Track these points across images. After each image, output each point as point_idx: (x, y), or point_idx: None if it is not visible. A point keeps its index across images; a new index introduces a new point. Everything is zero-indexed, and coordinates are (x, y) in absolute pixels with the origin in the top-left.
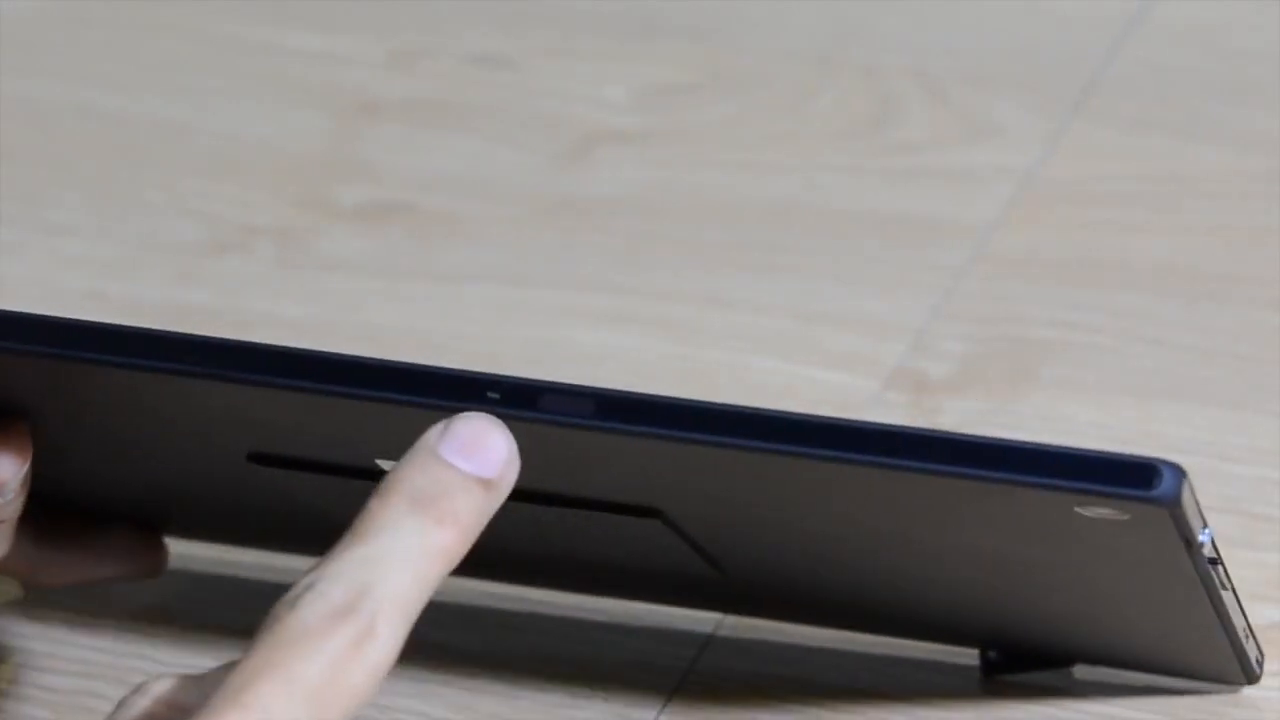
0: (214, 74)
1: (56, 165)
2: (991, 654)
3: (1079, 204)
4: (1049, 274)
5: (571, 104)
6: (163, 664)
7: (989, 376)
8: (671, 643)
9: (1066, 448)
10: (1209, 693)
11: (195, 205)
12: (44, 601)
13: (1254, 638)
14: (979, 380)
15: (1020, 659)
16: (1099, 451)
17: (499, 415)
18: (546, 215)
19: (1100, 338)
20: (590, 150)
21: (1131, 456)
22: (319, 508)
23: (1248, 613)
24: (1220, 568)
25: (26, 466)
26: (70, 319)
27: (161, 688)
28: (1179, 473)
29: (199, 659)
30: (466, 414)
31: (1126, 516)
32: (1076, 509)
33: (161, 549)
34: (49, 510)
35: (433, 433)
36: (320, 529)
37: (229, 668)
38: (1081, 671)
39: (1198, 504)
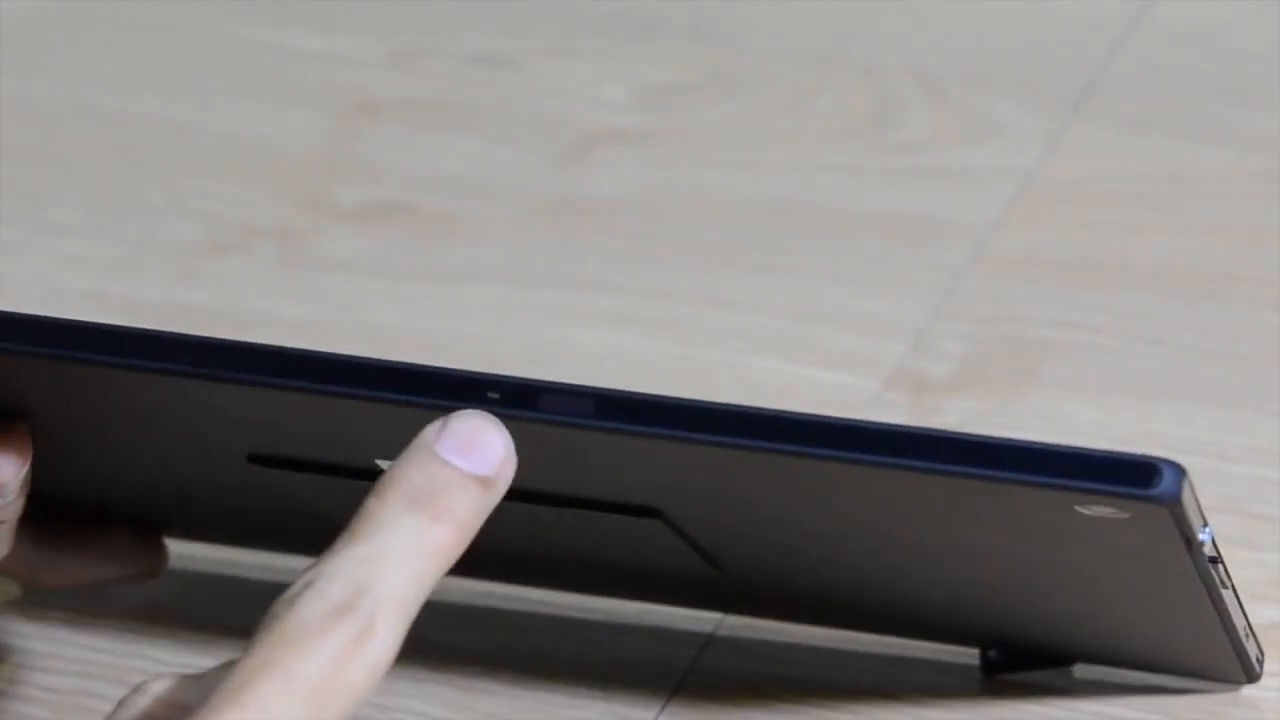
0: (214, 74)
1: (56, 165)
2: (992, 653)
3: (1079, 204)
4: (1049, 274)
5: (571, 104)
6: (163, 664)
7: (989, 376)
8: (671, 643)
9: (1067, 447)
10: (1209, 692)
11: (195, 205)
12: (44, 601)
13: (1254, 637)
14: (979, 380)
15: (1021, 658)
16: (1099, 450)
17: (499, 415)
18: (546, 215)
19: (1100, 338)
20: (590, 150)
21: (1132, 455)
22: (319, 508)
23: (1248, 612)
24: (1221, 566)
25: (26, 467)
26: (70, 319)
27: (161, 687)
28: (1179, 471)
29: (199, 659)
30: (463, 412)
31: (1127, 515)
32: (1077, 508)
33: (161, 550)
34: (49, 511)
35: (430, 431)
36: (320, 529)
37: (228, 667)
38: (1081, 671)
39: (1198, 503)
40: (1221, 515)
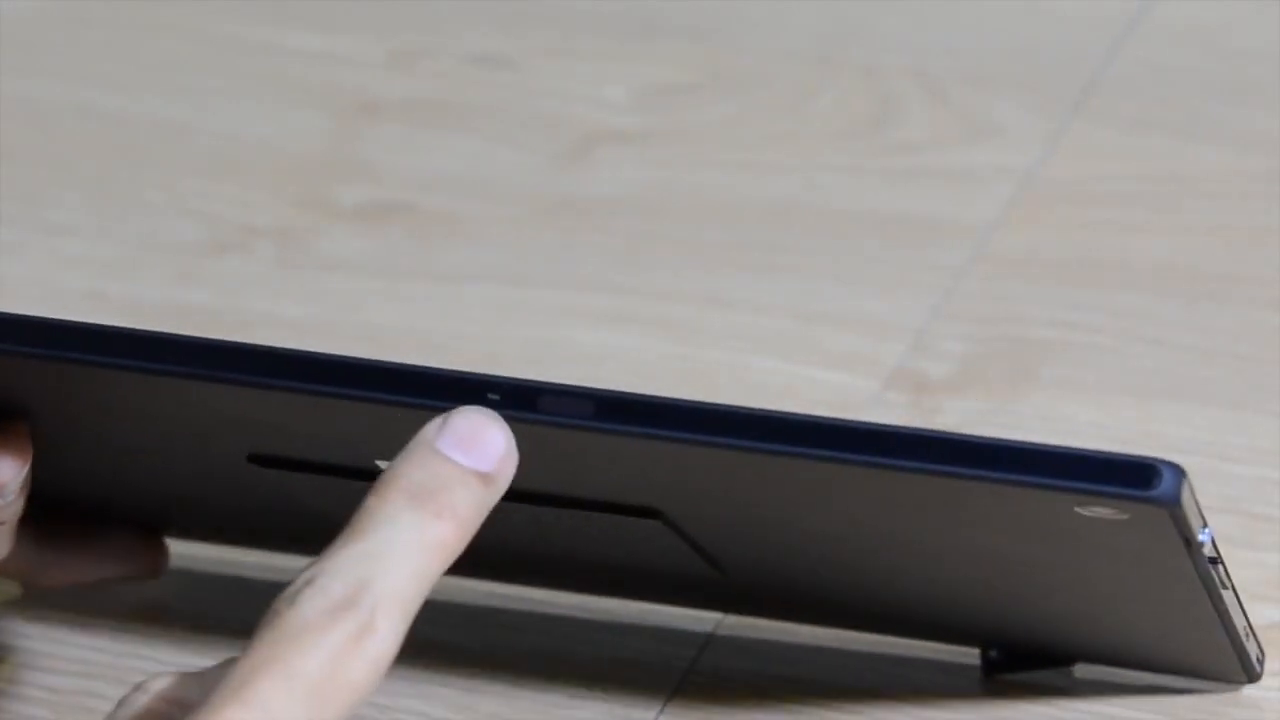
0: (214, 74)
1: (56, 165)
2: (992, 653)
3: (1079, 204)
4: (1049, 274)
5: (571, 104)
6: (163, 663)
7: (989, 376)
8: (671, 643)
9: (1066, 448)
10: (1209, 692)
11: (195, 205)
12: (44, 601)
13: (1254, 636)
14: (979, 380)
15: (1021, 658)
16: (1099, 451)
17: None
18: (546, 215)
19: (1100, 338)
20: (590, 150)
21: (1131, 456)
22: (319, 509)
23: (1248, 612)
24: (1220, 567)
25: (26, 468)
26: (70, 320)
27: (162, 684)
28: (1179, 472)
29: (199, 659)
30: (464, 408)
31: (1126, 516)
32: (1076, 509)
33: (162, 550)
34: (50, 512)
35: (430, 427)
36: (320, 530)
37: (229, 664)
38: (1082, 671)
39: (1197, 503)
40: (1221, 515)
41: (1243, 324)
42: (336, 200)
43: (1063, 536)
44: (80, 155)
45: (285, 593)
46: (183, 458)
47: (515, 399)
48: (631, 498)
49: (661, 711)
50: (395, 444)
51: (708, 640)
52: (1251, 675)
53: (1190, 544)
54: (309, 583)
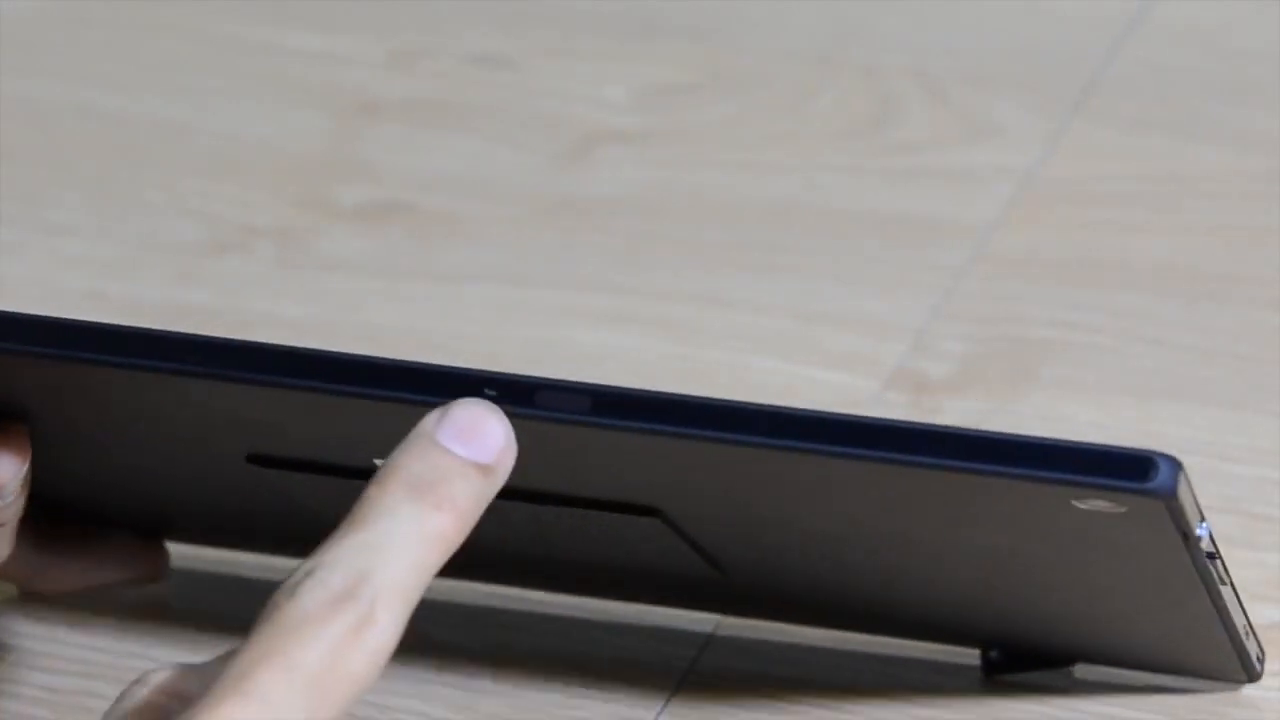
0: (214, 74)
1: (56, 165)
2: (992, 653)
3: (1079, 204)
4: (1049, 274)
5: (571, 104)
6: (163, 663)
7: (989, 376)
8: (671, 643)
9: (1063, 441)
10: (1209, 692)
11: (195, 205)
12: (44, 600)
13: (1254, 636)
14: (979, 380)
15: (1021, 658)
16: (1095, 444)
17: None
18: (546, 215)
19: (1100, 338)
20: (590, 150)
21: (1127, 449)
22: (318, 509)
23: (1248, 612)
24: (1219, 562)
25: (25, 468)
26: (70, 319)
27: (161, 678)
28: (1175, 465)
29: (199, 658)
30: (463, 400)
31: (1123, 509)
32: (1074, 502)
33: (162, 553)
34: (50, 516)
35: (430, 419)
36: (319, 530)
37: (229, 657)
38: (1082, 671)
39: (1195, 497)
40: (1221, 515)
41: (1243, 324)
42: (336, 200)
43: (1061, 532)
44: (80, 155)
45: (285, 584)
46: (182, 458)
47: (512, 394)
48: (630, 496)
49: (661, 711)
50: (393, 442)
51: (708, 640)
52: (1252, 675)
53: (1188, 538)
54: (308, 574)
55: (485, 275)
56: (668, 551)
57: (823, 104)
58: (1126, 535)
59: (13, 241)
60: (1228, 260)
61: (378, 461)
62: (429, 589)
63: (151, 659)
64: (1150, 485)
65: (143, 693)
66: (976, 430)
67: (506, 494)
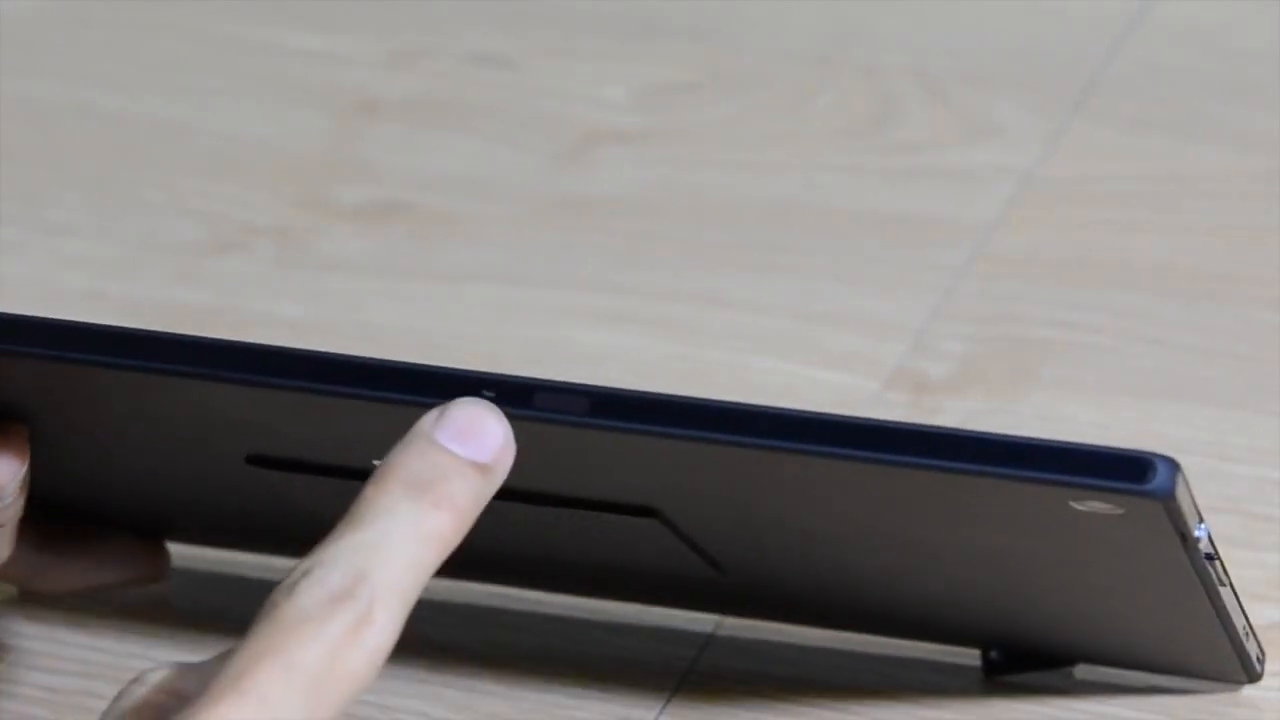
0: (214, 74)
1: (56, 165)
2: (993, 654)
3: (1079, 204)
4: (1049, 274)
5: (571, 104)
6: (161, 662)
7: (989, 376)
8: (671, 643)
9: (1060, 442)
10: (1209, 692)
11: (195, 205)
12: (44, 600)
13: (1254, 636)
14: (979, 380)
15: (1021, 659)
16: (1093, 446)
17: None
18: (546, 215)
19: (1100, 338)
20: (590, 150)
21: (1125, 450)
22: (317, 510)
23: (1248, 612)
24: (1217, 563)
25: (25, 468)
26: (69, 320)
27: (160, 676)
28: (1173, 466)
29: (199, 658)
30: (461, 400)
31: (1122, 511)
32: (1072, 504)
33: (163, 554)
34: (50, 517)
35: (428, 418)
36: (319, 531)
37: (227, 655)
38: (1082, 671)
39: (1193, 498)
40: (1221, 515)
41: (1243, 324)
42: (336, 200)
43: (1060, 533)
44: (80, 155)
45: (283, 583)
46: (182, 459)
47: (510, 396)
48: (629, 497)
49: (661, 711)
50: (392, 443)
51: (708, 640)
52: (1252, 675)
53: (1186, 539)
54: (306, 574)
55: (485, 275)
56: (667, 552)
57: (823, 104)
58: (1125, 536)
59: (13, 241)
60: (1228, 260)
61: (377, 462)
62: (427, 588)
63: (151, 659)
64: (1148, 487)
65: (141, 691)
66: (974, 432)
67: (505, 495)
